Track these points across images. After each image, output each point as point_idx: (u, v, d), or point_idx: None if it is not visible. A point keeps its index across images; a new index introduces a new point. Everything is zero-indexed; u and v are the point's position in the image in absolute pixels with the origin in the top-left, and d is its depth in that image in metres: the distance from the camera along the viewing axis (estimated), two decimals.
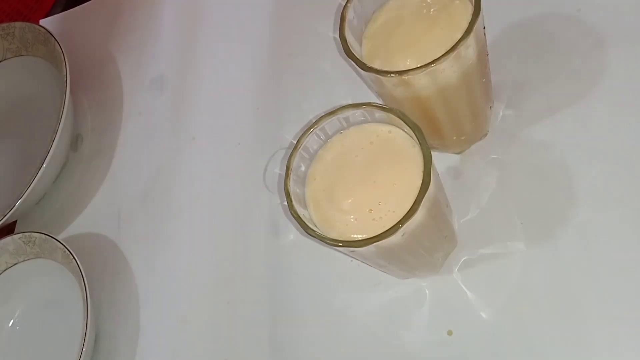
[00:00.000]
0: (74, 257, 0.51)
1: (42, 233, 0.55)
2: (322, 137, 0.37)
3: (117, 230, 0.59)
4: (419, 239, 0.35)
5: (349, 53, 0.36)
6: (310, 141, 0.36)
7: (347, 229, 0.34)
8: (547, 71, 0.46)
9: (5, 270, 0.59)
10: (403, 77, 0.34)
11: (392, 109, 0.34)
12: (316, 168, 0.37)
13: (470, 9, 0.35)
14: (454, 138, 0.43)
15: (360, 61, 0.36)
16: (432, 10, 0.37)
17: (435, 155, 0.46)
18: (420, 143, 0.33)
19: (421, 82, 0.35)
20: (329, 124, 0.36)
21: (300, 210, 0.34)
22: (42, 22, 0.77)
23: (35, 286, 0.59)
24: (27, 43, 0.67)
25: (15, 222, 0.65)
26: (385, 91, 0.38)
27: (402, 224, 0.31)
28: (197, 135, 0.60)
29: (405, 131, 0.35)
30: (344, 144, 0.37)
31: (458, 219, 0.44)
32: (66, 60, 0.60)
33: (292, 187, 0.35)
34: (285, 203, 0.34)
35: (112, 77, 0.68)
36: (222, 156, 0.57)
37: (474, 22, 0.33)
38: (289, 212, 0.34)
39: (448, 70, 0.35)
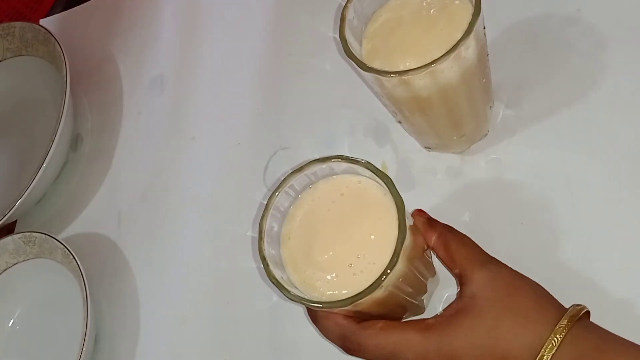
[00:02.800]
0: (74, 257, 0.51)
1: (42, 233, 0.55)
2: (292, 194, 0.36)
3: (117, 230, 0.59)
4: (402, 288, 0.34)
5: (349, 53, 0.36)
6: (281, 200, 0.35)
7: (328, 286, 0.34)
8: (547, 71, 0.46)
9: (5, 270, 0.59)
10: (403, 77, 0.34)
11: (359, 161, 0.34)
12: (290, 227, 0.36)
13: (470, 9, 0.35)
14: (454, 138, 0.43)
15: (360, 61, 0.36)
16: (432, 10, 0.37)
17: (436, 155, 0.47)
18: (391, 192, 0.33)
19: (421, 82, 0.35)
20: (297, 181, 0.36)
21: (278, 274, 0.33)
22: (42, 21, 0.77)
23: (35, 286, 0.59)
24: (27, 43, 0.67)
25: (15, 222, 0.65)
26: (385, 91, 0.38)
27: (384, 277, 0.31)
28: (197, 135, 0.60)
29: (375, 180, 0.34)
30: (315, 199, 0.36)
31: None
32: (66, 60, 0.60)
33: (267, 250, 0.34)
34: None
35: (112, 76, 0.68)
36: (222, 156, 0.57)
37: (474, 22, 0.33)
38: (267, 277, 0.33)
39: (448, 71, 0.35)
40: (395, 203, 0.33)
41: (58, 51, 0.61)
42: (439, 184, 0.46)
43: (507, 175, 0.44)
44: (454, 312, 0.34)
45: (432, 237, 0.37)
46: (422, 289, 0.39)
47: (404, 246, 0.31)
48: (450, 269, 0.37)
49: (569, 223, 0.41)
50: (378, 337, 0.34)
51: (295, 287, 0.34)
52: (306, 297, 0.32)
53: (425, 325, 0.34)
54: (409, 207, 0.35)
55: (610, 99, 0.43)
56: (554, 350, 0.30)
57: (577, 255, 0.40)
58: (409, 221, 0.33)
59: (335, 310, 0.34)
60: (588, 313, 0.33)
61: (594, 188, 0.41)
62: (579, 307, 0.33)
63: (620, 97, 0.43)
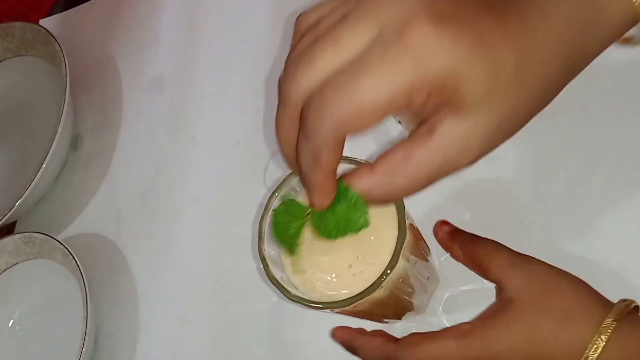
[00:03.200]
0: (73, 257, 0.51)
1: (42, 233, 0.55)
2: (292, 194, 0.36)
3: (116, 230, 0.59)
4: (402, 288, 0.34)
5: None
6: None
7: (328, 287, 0.34)
8: None
9: (5, 270, 0.59)
10: None
11: (359, 161, 0.33)
12: None
13: None
14: None
15: None
16: None
17: None
18: None
19: None
20: (297, 181, 0.35)
21: (277, 274, 0.33)
22: (42, 22, 0.77)
23: (35, 286, 0.59)
24: (27, 43, 0.67)
25: (15, 222, 0.65)
26: None
27: (384, 277, 0.30)
28: (197, 135, 0.60)
29: None
30: None
31: (439, 257, 0.43)
32: (66, 60, 0.60)
33: (267, 250, 0.34)
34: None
35: (111, 77, 0.68)
36: (222, 156, 0.57)
37: None
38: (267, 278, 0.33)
39: None
40: (395, 203, 0.32)
41: (58, 51, 0.61)
42: (439, 184, 0.45)
43: (507, 175, 0.44)
44: (490, 315, 0.32)
45: (457, 252, 0.36)
46: (422, 289, 0.39)
47: (403, 246, 0.31)
48: (484, 278, 0.36)
49: (569, 223, 0.41)
50: (416, 351, 0.33)
51: (295, 288, 0.34)
52: (306, 298, 0.32)
53: (460, 332, 0.33)
54: (409, 207, 0.35)
55: (610, 99, 0.43)
56: (598, 352, 0.28)
57: (577, 255, 0.40)
58: (409, 221, 0.33)
59: (335, 310, 0.34)
60: (637, 308, 0.31)
61: (594, 188, 0.41)
62: (627, 302, 0.31)
63: (621, 96, 0.43)
